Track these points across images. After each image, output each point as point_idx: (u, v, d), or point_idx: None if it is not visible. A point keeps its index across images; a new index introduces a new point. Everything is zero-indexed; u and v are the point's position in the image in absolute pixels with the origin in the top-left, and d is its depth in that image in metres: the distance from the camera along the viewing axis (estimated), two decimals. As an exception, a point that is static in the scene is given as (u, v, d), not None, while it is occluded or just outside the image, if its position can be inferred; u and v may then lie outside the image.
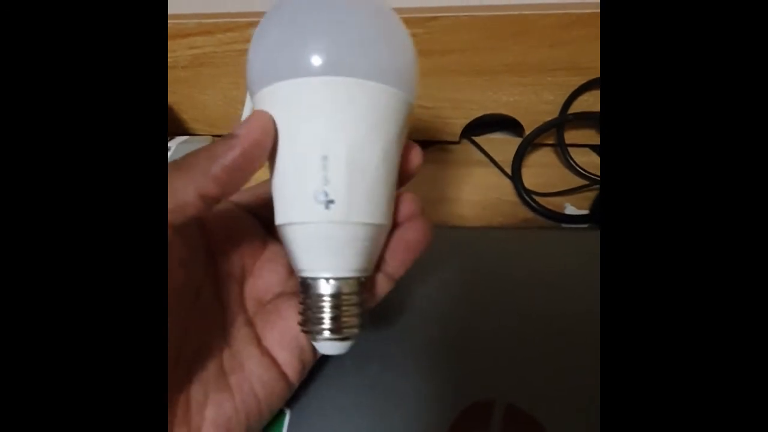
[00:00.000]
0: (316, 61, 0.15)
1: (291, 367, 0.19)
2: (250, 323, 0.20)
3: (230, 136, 0.16)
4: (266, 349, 0.19)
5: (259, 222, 0.21)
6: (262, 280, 0.21)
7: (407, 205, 0.18)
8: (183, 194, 0.15)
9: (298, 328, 0.19)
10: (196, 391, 0.17)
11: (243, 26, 0.31)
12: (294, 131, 0.16)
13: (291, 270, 0.21)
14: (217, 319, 0.19)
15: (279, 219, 0.17)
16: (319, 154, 0.16)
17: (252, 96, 0.17)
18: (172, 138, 0.33)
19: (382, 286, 0.19)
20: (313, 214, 0.16)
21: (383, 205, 0.17)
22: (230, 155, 0.15)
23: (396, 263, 0.19)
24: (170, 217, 0.15)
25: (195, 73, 0.34)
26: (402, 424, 0.20)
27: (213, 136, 0.33)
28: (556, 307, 0.23)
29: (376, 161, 0.16)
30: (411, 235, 0.18)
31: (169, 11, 0.30)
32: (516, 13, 0.29)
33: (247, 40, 0.31)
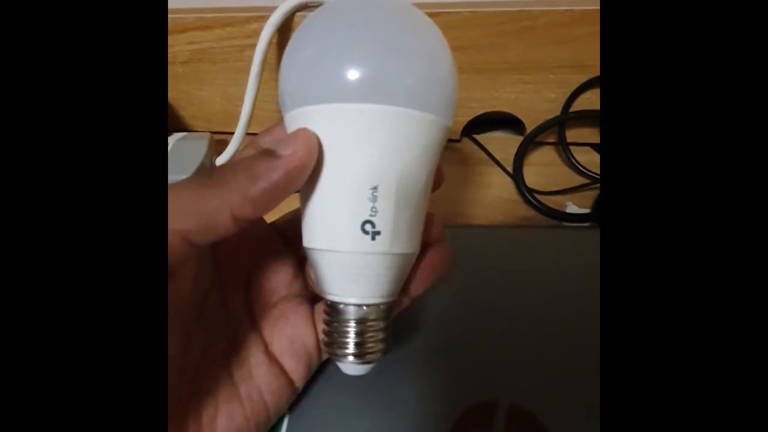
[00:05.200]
0: (371, 87, 0.14)
1: (297, 374, 0.19)
2: (255, 328, 0.20)
3: (273, 155, 0.15)
4: (274, 356, 0.19)
5: (262, 220, 0.21)
6: (267, 283, 0.20)
7: (435, 229, 0.18)
8: (217, 215, 0.14)
9: (306, 335, 0.19)
10: (206, 402, 0.17)
11: (242, 21, 0.30)
12: (342, 158, 0.15)
13: (296, 272, 0.21)
14: (223, 325, 0.19)
15: (314, 243, 0.17)
16: (369, 184, 0.15)
17: (285, 111, 0.16)
18: (170, 134, 0.32)
19: (401, 303, 0.19)
20: (358, 244, 0.15)
21: (420, 234, 0.17)
22: (272, 177, 0.14)
23: (419, 284, 0.19)
24: (196, 237, 0.14)
25: (193, 68, 0.33)
26: (403, 424, 0.20)
27: (211, 132, 0.33)
28: (558, 305, 0.23)
29: (420, 191, 0.16)
30: (438, 259, 0.19)
31: (168, 6, 0.30)
32: (518, 9, 0.29)
33: (247, 36, 0.31)
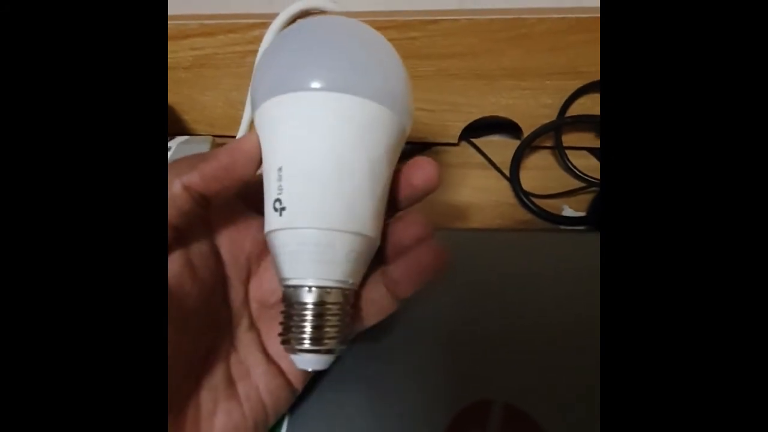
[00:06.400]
0: (274, 83, 0.17)
1: (295, 375, 0.19)
2: (253, 327, 0.20)
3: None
4: (272, 357, 0.19)
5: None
6: (267, 282, 0.20)
7: (414, 227, 0.18)
8: (171, 187, 0.16)
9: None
10: (205, 398, 0.17)
11: (244, 27, 0.31)
12: (264, 147, 0.18)
13: None
14: (224, 322, 0.19)
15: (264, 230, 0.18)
16: (276, 165, 0.17)
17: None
18: (172, 138, 0.33)
19: (389, 305, 0.19)
20: (272, 222, 0.17)
21: (344, 213, 0.16)
22: (215, 154, 0.17)
23: (407, 285, 0.18)
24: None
25: (196, 74, 0.34)
26: (400, 424, 0.20)
27: (213, 136, 0.33)
28: (553, 307, 0.23)
29: (330, 170, 0.16)
30: (425, 257, 0.18)
31: (171, 12, 0.30)
32: (515, 17, 0.29)
33: (249, 42, 0.31)
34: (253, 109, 0.18)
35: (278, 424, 0.20)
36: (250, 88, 0.18)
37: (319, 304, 0.16)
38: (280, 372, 0.19)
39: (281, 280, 0.17)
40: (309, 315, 0.16)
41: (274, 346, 0.20)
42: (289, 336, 0.17)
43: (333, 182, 0.16)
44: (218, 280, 0.19)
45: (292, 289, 0.17)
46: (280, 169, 0.17)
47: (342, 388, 0.21)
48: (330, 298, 0.17)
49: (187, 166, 0.16)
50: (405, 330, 0.23)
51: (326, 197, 0.16)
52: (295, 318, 0.17)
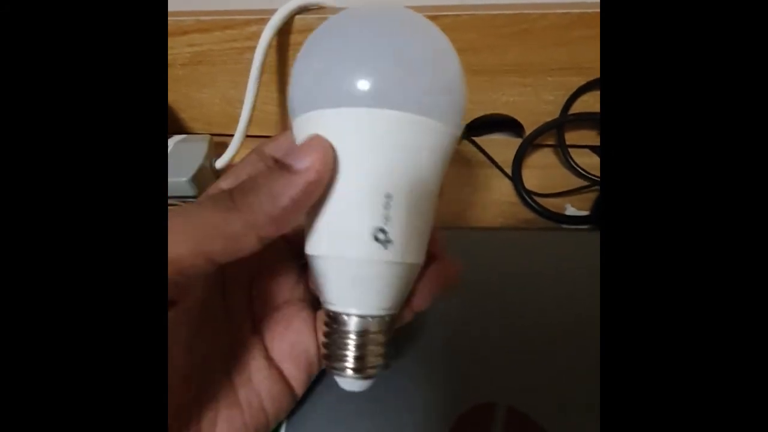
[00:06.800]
0: (392, 92, 0.14)
1: (297, 380, 0.19)
2: (256, 331, 0.20)
3: (290, 170, 0.14)
4: (274, 361, 0.19)
5: None
6: (270, 286, 0.20)
7: (439, 240, 0.18)
8: (242, 237, 0.14)
9: (308, 341, 0.19)
10: (207, 408, 0.17)
11: (242, 24, 0.31)
12: (355, 163, 0.15)
13: (299, 276, 0.20)
14: (225, 328, 0.19)
15: (321, 250, 0.16)
16: (383, 191, 0.15)
17: (295, 115, 0.16)
18: (169, 136, 0.32)
19: (404, 318, 0.19)
20: (369, 252, 0.15)
21: (426, 244, 0.17)
22: (292, 193, 0.14)
23: (423, 299, 0.18)
24: (221, 257, 0.14)
25: (193, 71, 0.33)
26: (402, 427, 0.20)
27: (211, 135, 0.33)
28: (556, 308, 0.23)
29: (431, 201, 0.16)
30: (445, 271, 0.18)
31: (168, 8, 0.30)
32: (516, 12, 0.29)
33: (246, 38, 0.31)
34: (318, 106, 0.15)
35: (276, 428, 0.20)
36: (297, 82, 0.16)
37: (364, 334, 0.16)
38: (282, 377, 0.19)
39: (328, 302, 0.17)
40: (353, 344, 0.16)
41: (278, 351, 0.19)
42: (333, 363, 0.17)
43: (430, 216, 0.16)
44: (218, 286, 0.19)
45: (341, 315, 0.16)
46: (388, 195, 0.15)
47: (342, 391, 0.21)
48: (375, 327, 0.16)
49: (260, 214, 0.14)
50: (405, 331, 0.22)
51: (425, 231, 0.16)
52: (340, 345, 0.16)
